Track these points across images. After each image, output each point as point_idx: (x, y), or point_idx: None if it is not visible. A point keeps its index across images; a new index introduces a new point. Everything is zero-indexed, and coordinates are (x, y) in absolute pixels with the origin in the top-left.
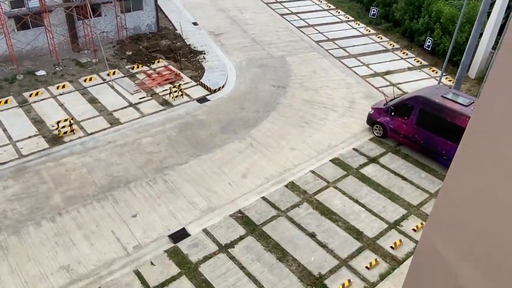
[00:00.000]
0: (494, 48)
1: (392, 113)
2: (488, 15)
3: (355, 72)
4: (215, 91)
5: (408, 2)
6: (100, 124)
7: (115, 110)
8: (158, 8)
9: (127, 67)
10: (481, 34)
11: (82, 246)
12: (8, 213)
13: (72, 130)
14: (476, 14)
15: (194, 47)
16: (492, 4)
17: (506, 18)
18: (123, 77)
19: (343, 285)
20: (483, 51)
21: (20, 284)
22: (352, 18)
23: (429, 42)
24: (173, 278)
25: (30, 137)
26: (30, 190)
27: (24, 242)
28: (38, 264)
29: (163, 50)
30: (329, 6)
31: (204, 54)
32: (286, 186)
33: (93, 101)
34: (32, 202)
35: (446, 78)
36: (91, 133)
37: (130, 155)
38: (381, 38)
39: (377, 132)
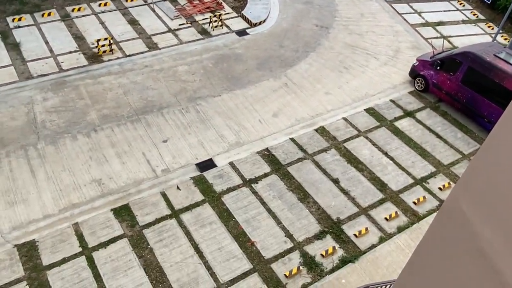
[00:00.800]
0: None
1: (438, 67)
2: None
3: (404, 20)
4: (255, 24)
5: None
6: (139, 47)
7: (154, 34)
8: None
9: None
10: None
11: (114, 163)
12: (47, 123)
13: (111, 50)
14: None
15: None
16: None
17: None
18: (164, 0)
19: (360, 232)
20: None
21: (55, 191)
22: None
23: None
24: (197, 204)
25: (70, 52)
26: (69, 104)
27: (60, 153)
28: (73, 174)
29: None
30: None
31: None
32: (316, 130)
33: (133, 22)
34: (69, 116)
35: (502, 36)
36: (129, 55)
37: (165, 81)
38: None
39: (419, 86)
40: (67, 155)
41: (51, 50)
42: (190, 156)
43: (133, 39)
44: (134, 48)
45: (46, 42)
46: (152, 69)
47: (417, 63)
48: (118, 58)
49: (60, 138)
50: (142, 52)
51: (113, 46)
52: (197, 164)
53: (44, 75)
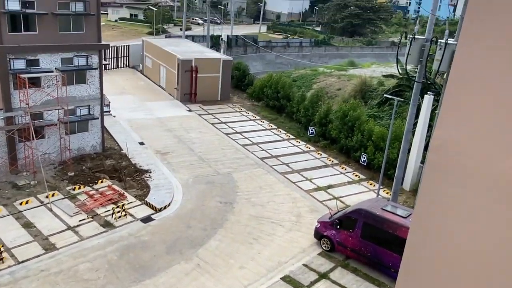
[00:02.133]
0: (422, 162)
1: (338, 227)
2: (413, 134)
3: (299, 187)
4: (160, 209)
5: (342, 122)
6: (34, 250)
7: (51, 235)
8: (104, 129)
9: (67, 188)
10: (409, 150)
11: None
12: None
13: (1, 259)
14: (402, 133)
15: (140, 166)
16: (415, 124)
17: (429, 136)
18: (63, 199)
19: None
20: (413, 165)
21: None
22: (293, 137)
23: (364, 158)
24: None
25: None
26: None
27: None
28: None
29: (107, 170)
30: (271, 126)
31: (150, 172)
32: None
33: (27, 225)
34: None
35: (384, 191)
36: (23, 261)
37: (64, 284)
38: (321, 154)
39: (325, 246)
40: None
41: None
42: None
43: (27, 243)
44: (28, 252)
45: None
46: (49, 272)
47: (319, 225)
48: (9, 266)
49: None
50: (37, 256)
51: (4, 254)
52: None
53: None
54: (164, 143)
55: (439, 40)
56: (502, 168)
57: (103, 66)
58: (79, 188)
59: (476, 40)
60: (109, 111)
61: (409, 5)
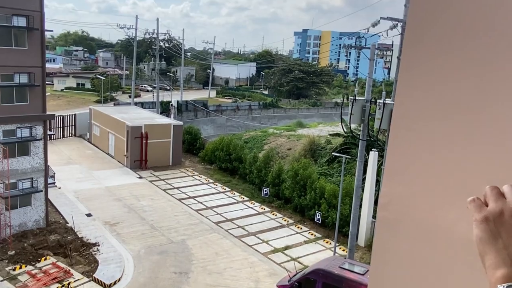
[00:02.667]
0: (374, 217)
1: None
2: (363, 189)
3: (256, 250)
4: (110, 286)
5: (294, 181)
6: None
7: None
8: (48, 203)
9: (7, 269)
10: (361, 206)
11: None
12: None
13: None
14: (353, 189)
15: (87, 240)
16: (364, 180)
17: (378, 190)
18: (1, 281)
19: None
20: (366, 220)
21: None
22: (247, 198)
23: (318, 215)
24: None
25: None
26: None
27: None
28: None
29: (51, 246)
30: (225, 189)
31: (98, 246)
32: None
33: None
34: None
35: (340, 248)
36: None
37: None
38: (276, 215)
39: None
40: None
41: None
42: None
43: None
44: None
45: None
46: None
47: None
48: None
49: None
50: None
51: None
52: None
53: None
54: (113, 213)
55: (378, 101)
56: (448, 219)
57: (48, 136)
58: (20, 268)
59: (410, 100)
60: (53, 183)
61: (348, 68)
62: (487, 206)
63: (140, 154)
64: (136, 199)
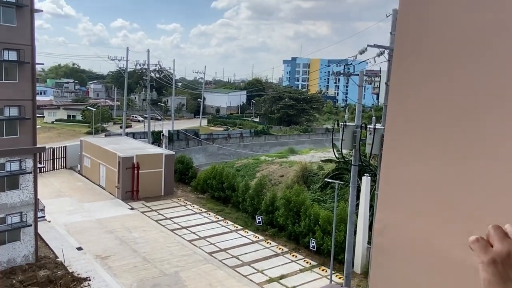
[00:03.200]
0: (369, 243)
1: None
2: (357, 215)
3: (251, 280)
4: None
5: (287, 208)
6: None
7: None
8: (37, 237)
9: None
10: (355, 232)
11: None
12: None
13: None
14: (347, 215)
15: (78, 274)
16: (358, 205)
17: (372, 216)
18: None
19: None
20: (361, 247)
21: None
22: (241, 227)
23: (313, 243)
24: None
25: None
26: None
27: None
28: None
29: (41, 282)
30: (218, 218)
31: (89, 280)
32: None
33: None
34: None
35: (336, 275)
36: None
37: None
38: (270, 243)
39: None
40: None
41: None
42: None
43: None
44: None
45: None
46: None
47: None
48: None
49: None
50: None
51: None
52: None
53: None
54: (104, 246)
55: (368, 126)
56: (444, 244)
57: (38, 169)
58: None
59: (400, 125)
60: (43, 216)
61: (337, 95)
62: (491, 246)
63: (131, 185)
64: (127, 231)
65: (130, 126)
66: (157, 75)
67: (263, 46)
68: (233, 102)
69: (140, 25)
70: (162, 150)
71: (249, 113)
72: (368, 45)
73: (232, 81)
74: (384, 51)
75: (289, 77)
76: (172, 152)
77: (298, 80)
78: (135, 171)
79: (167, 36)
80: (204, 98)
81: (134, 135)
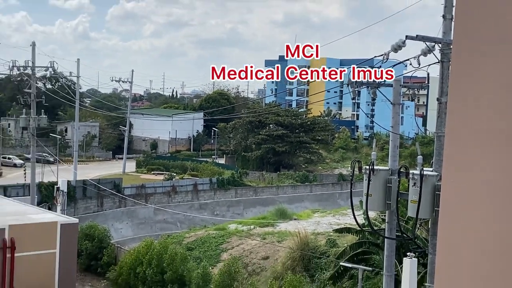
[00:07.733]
0: None
1: None
2: None
3: None
4: None
5: None
6: None
7: None
8: None
9: None
10: None
11: None
12: None
13: None
14: None
15: None
16: None
17: None
18: None
19: None
20: None
21: None
22: None
23: None
24: None
25: None
26: None
27: None
28: None
29: None
30: None
31: None
32: None
33: None
34: None
35: None
36: None
37: None
38: None
39: None
40: None
41: None
42: None
43: None
44: None
45: None
46: None
47: None
48: None
49: None
50: None
51: None
52: None
53: None
54: None
55: (411, 171)
56: None
57: None
58: None
59: (468, 167)
60: None
61: (357, 118)
62: None
63: (1, 279)
64: None
65: (0, 175)
66: (49, 85)
67: (233, 37)
68: (181, 131)
69: (20, 1)
70: (57, 216)
71: (209, 149)
72: (407, 37)
73: (178, 96)
74: (434, 47)
75: (276, 89)
76: (75, 220)
77: (291, 94)
78: (7, 255)
79: (66, 20)
80: (130, 125)
81: (5, 191)
